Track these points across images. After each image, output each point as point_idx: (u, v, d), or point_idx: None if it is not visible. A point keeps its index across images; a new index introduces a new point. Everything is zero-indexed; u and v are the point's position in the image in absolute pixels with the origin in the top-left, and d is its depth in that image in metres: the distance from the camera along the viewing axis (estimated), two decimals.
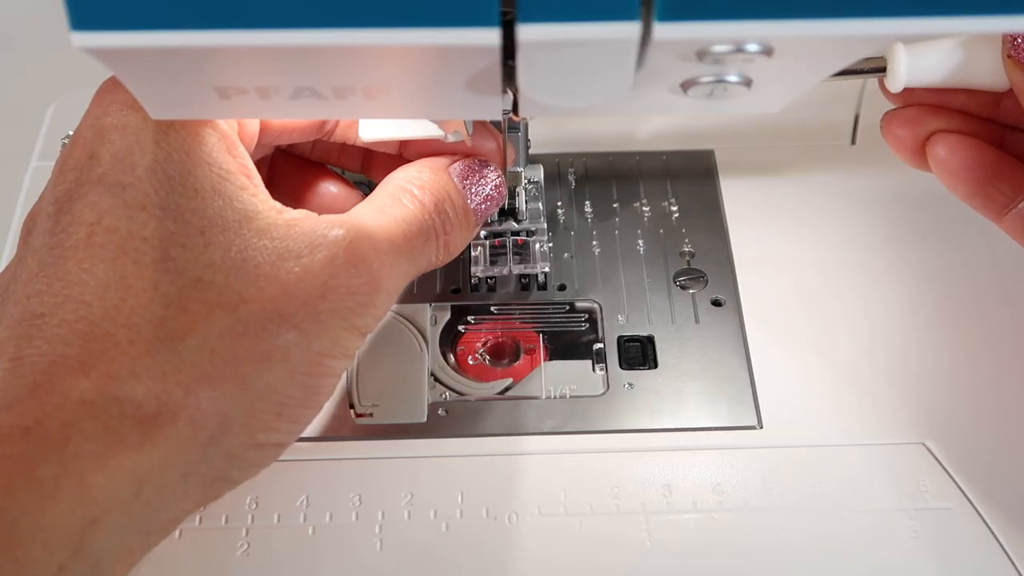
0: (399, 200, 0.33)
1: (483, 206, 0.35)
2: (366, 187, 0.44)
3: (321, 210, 0.34)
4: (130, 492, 0.27)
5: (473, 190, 0.35)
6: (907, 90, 0.37)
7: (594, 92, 0.24)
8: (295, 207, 0.32)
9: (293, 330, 0.29)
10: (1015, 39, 0.33)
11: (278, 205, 0.31)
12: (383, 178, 0.39)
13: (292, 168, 0.39)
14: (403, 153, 0.37)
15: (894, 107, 0.37)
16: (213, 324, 0.28)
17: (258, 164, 0.33)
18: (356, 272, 0.30)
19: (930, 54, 0.35)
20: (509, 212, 0.42)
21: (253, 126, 0.33)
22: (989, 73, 0.35)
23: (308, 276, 0.29)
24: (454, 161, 0.36)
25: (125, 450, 0.27)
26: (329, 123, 0.36)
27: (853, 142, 0.47)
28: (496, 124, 0.38)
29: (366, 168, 0.39)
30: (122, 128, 0.30)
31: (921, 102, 0.37)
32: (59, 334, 0.27)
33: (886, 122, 0.37)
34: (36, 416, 0.26)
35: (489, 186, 0.35)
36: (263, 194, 0.31)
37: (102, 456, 0.26)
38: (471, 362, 0.39)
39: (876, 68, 0.37)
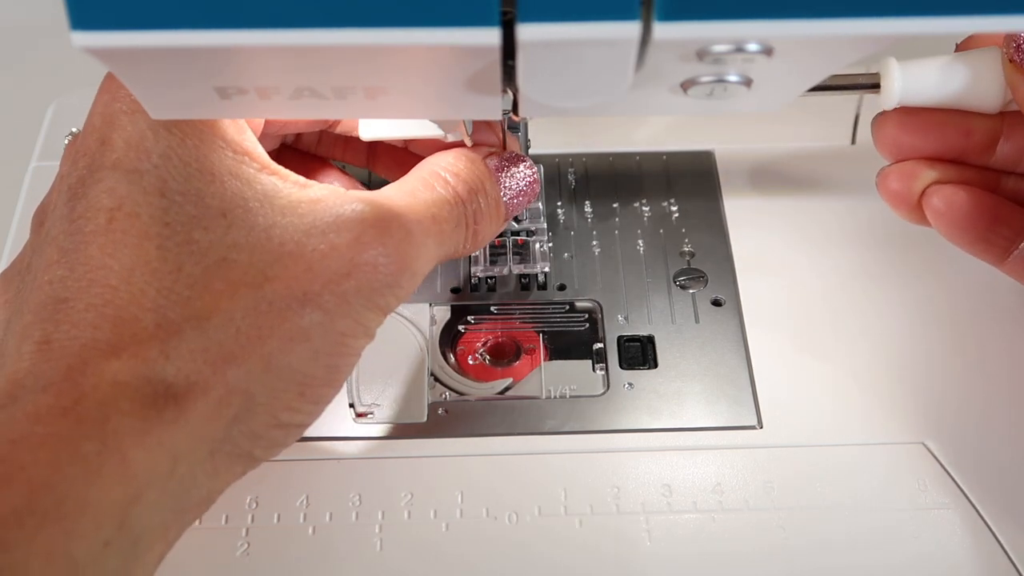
0: (432, 185, 0.33)
1: (516, 200, 0.35)
2: (368, 184, 0.44)
3: None
4: (166, 468, 0.27)
5: (507, 183, 0.35)
6: (899, 143, 0.37)
7: (594, 92, 0.24)
8: None
9: (317, 310, 0.29)
10: (1018, 44, 0.33)
11: (302, 179, 0.31)
12: (388, 171, 0.39)
13: (297, 162, 0.39)
14: (408, 146, 0.37)
15: (888, 164, 0.37)
16: (237, 303, 0.29)
17: None
18: (384, 250, 0.30)
19: (925, 71, 0.35)
20: None
21: None
22: (984, 92, 0.35)
23: (334, 253, 0.29)
24: (491, 153, 0.36)
25: (160, 426, 0.27)
26: None
27: (853, 142, 0.47)
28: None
29: (371, 162, 0.39)
30: (133, 114, 0.30)
31: (915, 156, 0.37)
32: (87, 318, 0.28)
33: (881, 178, 0.37)
34: (73, 397, 0.26)
35: (524, 182, 0.35)
36: (283, 171, 0.31)
37: (140, 433, 0.27)
38: (471, 362, 0.39)
39: (870, 84, 0.37)
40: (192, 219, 0.29)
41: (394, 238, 0.30)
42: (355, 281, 0.29)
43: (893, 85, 0.35)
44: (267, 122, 0.34)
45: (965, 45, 0.37)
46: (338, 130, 0.37)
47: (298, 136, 0.39)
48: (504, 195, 0.35)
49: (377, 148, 0.39)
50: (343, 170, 0.40)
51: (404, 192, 0.32)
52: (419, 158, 0.37)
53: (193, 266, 0.29)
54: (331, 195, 0.30)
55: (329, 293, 0.29)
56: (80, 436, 0.26)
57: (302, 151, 0.39)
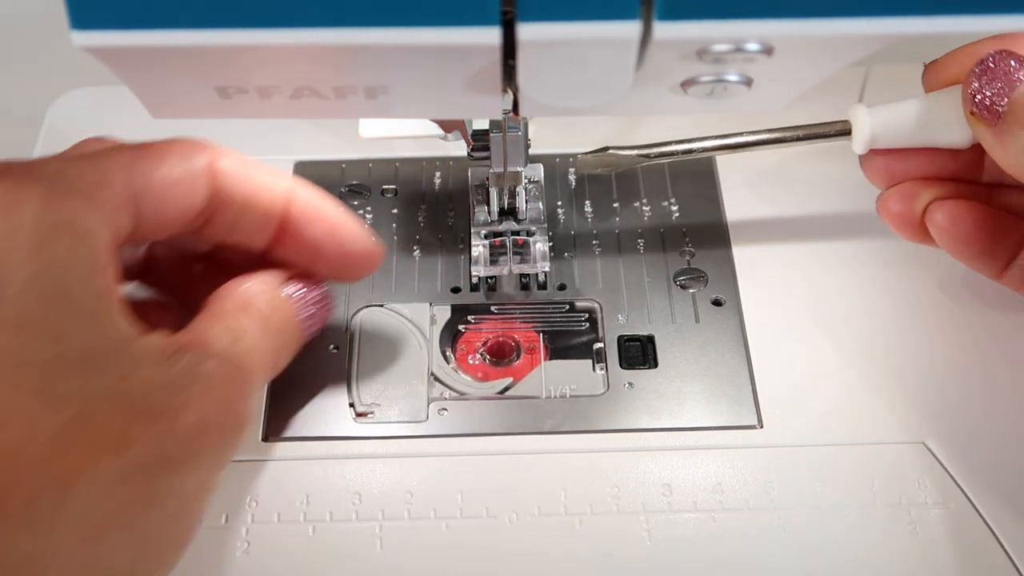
0: (250, 326, 0.32)
1: (308, 325, 0.35)
2: (361, 194, 0.44)
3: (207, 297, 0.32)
4: None
5: (304, 309, 0.35)
6: (891, 169, 0.37)
7: (594, 92, 0.24)
8: (177, 298, 0.30)
9: (173, 473, 0.28)
10: (974, 96, 0.33)
11: (142, 329, 0.29)
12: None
13: (174, 256, 0.37)
14: (280, 236, 0.35)
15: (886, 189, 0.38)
16: (100, 473, 0.26)
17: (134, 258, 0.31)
18: (231, 408, 0.29)
19: (892, 114, 0.36)
20: (509, 212, 0.42)
21: (124, 228, 0.30)
22: (953, 130, 0.35)
23: (188, 413, 0.28)
24: (289, 278, 0.35)
25: None
26: (203, 214, 0.33)
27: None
28: (496, 124, 0.38)
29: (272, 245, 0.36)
30: None
31: (908, 179, 0.37)
32: None
33: (882, 201, 0.38)
34: None
35: (316, 307, 0.35)
36: (131, 317, 0.29)
37: None
38: (471, 362, 0.39)
39: (840, 131, 0.37)
40: (49, 363, 0.26)
41: (241, 393, 0.30)
42: (206, 441, 0.28)
43: (863, 131, 0.36)
44: (134, 230, 0.31)
45: (931, 68, 0.36)
46: (205, 237, 0.34)
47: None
48: (301, 321, 0.35)
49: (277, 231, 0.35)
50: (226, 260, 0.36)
51: (232, 340, 0.31)
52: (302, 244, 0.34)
53: (50, 419, 0.26)
54: (173, 346, 0.29)
55: (183, 455, 0.28)
56: None
57: (173, 246, 0.36)
